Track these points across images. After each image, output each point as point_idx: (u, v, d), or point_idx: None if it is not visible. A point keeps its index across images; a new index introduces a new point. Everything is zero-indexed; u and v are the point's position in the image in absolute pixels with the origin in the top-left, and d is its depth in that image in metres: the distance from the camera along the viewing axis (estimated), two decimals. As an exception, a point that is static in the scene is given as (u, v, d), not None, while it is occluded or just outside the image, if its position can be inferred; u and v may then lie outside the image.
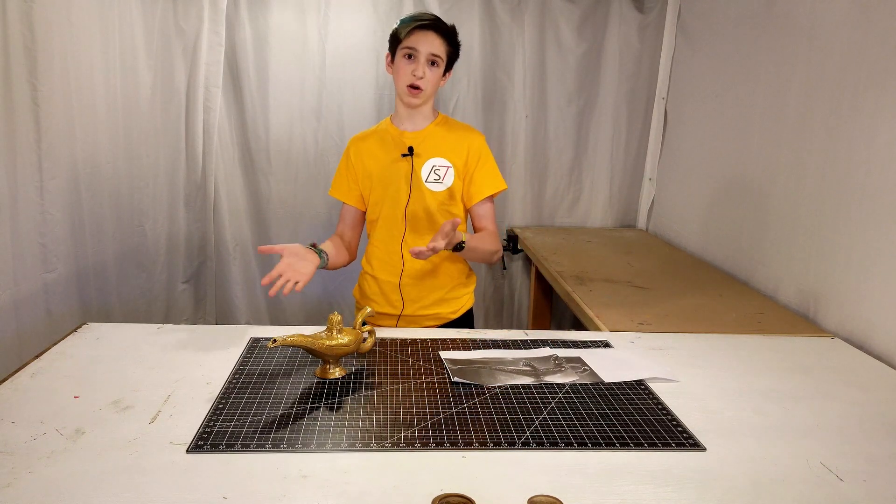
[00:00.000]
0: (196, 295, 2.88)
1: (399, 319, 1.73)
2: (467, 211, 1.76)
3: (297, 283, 1.42)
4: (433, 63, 1.61)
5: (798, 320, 1.79)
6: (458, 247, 1.52)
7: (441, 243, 1.41)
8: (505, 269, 3.08)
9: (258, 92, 2.76)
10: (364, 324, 1.36)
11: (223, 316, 2.95)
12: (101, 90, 2.13)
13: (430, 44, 1.59)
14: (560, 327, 3.08)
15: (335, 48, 2.75)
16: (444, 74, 1.66)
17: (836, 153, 1.75)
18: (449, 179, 1.68)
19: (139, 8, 2.37)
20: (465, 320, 1.81)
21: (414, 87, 1.60)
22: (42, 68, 1.77)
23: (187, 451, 0.99)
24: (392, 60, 1.66)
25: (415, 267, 1.69)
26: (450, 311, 1.77)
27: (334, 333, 1.26)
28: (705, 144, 2.52)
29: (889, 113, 1.56)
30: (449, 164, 1.68)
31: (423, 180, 1.66)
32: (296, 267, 1.45)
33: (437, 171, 1.67)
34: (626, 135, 3.00)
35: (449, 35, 1.63)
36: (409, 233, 1.68)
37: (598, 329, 1.68)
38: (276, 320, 3.01)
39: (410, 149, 1.65)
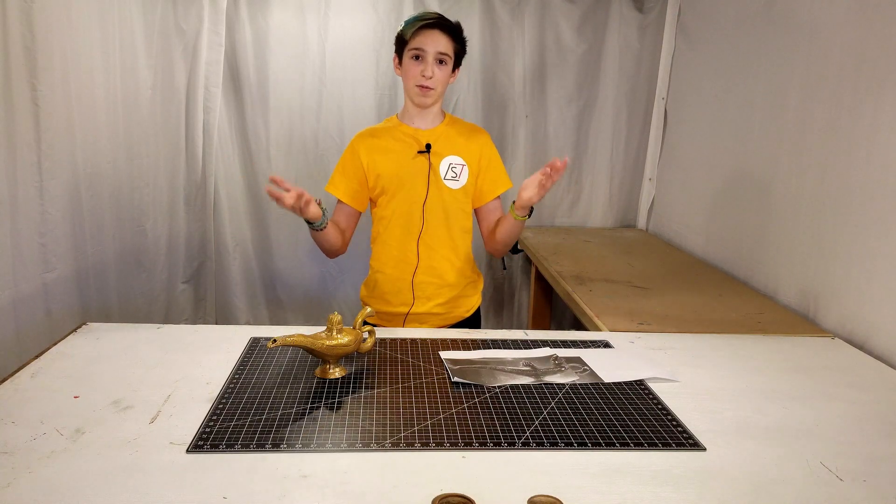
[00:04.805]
0: (196, 295, 2.88)
1: (407, 318, 1.72)
2: (475, 209, 1.76)
3: (304, 198, 1.43)
4: (441, 62, 1.60)
5: (798, 320, 1.79)
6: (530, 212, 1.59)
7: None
8: (505, 269, 3.08)
9: (258, 92, 2.76)
10: (366, 323, 1.36)
11: (223, 316, 2.95)
12: (101, 90, 2.13)
13: (436, 43, 1.58)
14: (560, 327, 3.08)
15: (335, 48, 2.75)
16: (452, 72, 1.66)
17: (836, 153, 1.75)
18: (464, 178, 1.68)
19: (139, 8, 2.37)
20: (475, 319, 1.81)
21: (424, 87, 1.60)
22: (42, 68, 1.77)
23: (187, 451, 0.99)
24: (400, 63, 1.65)
25: (429, 265, 1.69)
26: (463, 311, 1.77)
27: (334, 333, 1.26)
28: (705, 144, 2.52)
29: (889, 113, 1.56)
30: (464, 163, 1.68)
31: (442, 178, 1.66)
32: (304, 197, 1.46)
33: (453, 169, 1.67)
34: (626, 135, 3.00)
35: (455, 32, 1.62)
36: (426, 230, 1.67)
37: (598, 329, 1.68)
38: (276, 320, 3.01)
39: (428, 146, 1.65)
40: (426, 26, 1.58)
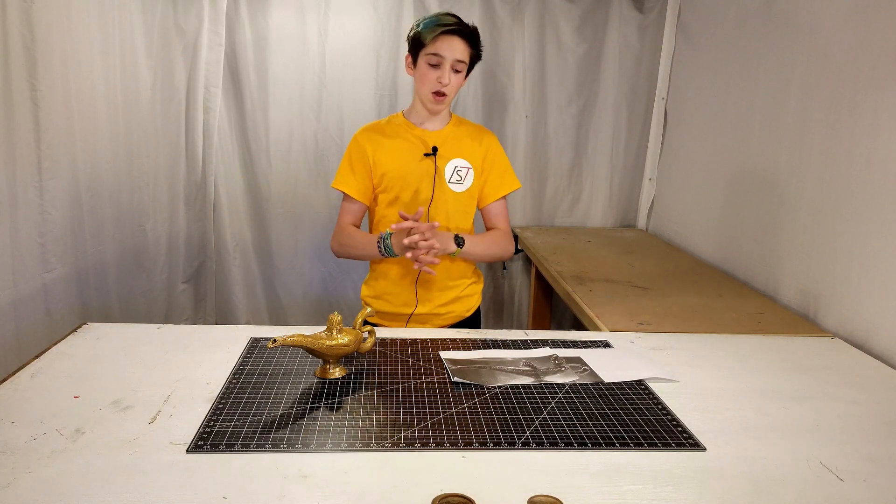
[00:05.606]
0: (196, 295, 2.88)
1: (410, 319, 1.72)
2: (480, 210, 1.76)
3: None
4: (457, 69, 1.59)
5: (798, 320, 1.79)
6: (459, 242, 1.59)
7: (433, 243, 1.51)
8: (505, 269, 3.08)
9: (258, 92, 2.76)
10: (366, 323, 1.36)
11: (223, 316, 2.95)
12: (101, 90, 2.13)
13: (455, 50, 1.56)
14: (560, 327, 3.08)
15: (335, 48, 2.75)
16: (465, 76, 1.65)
17: (836, 153, 1.75)
18: (469, 180, 1.68)
19: (139, 8, 2.37)
20: (475, 319, 1.82)
21: (439, 93, 1.59)
22: (42, 68, 1.77)
23: (187, 451, 0.99)
24: (413, 63, 1.63)
25: (432, 266, 1.69)
26: (464, 310, 1.77)
27: (334, 333, 1.26)
28: (705, 144, 2.52)
29: (889, 113, 1.56)
30: (469, 166, 1.68)
31: (447, 181, 1.66)
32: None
33: (458, 172, 1.67)
34: (626, 135, 3.00)
35: (473, 39, 1.60)
36: None
37: (598, 329, 1.68)
38: (276, 320, 3.01)
39: (434, 149, 1.64)
40: (446, 32, 1.56)
